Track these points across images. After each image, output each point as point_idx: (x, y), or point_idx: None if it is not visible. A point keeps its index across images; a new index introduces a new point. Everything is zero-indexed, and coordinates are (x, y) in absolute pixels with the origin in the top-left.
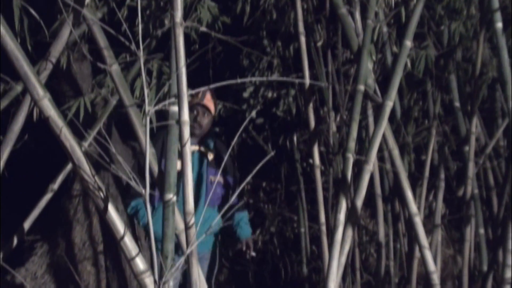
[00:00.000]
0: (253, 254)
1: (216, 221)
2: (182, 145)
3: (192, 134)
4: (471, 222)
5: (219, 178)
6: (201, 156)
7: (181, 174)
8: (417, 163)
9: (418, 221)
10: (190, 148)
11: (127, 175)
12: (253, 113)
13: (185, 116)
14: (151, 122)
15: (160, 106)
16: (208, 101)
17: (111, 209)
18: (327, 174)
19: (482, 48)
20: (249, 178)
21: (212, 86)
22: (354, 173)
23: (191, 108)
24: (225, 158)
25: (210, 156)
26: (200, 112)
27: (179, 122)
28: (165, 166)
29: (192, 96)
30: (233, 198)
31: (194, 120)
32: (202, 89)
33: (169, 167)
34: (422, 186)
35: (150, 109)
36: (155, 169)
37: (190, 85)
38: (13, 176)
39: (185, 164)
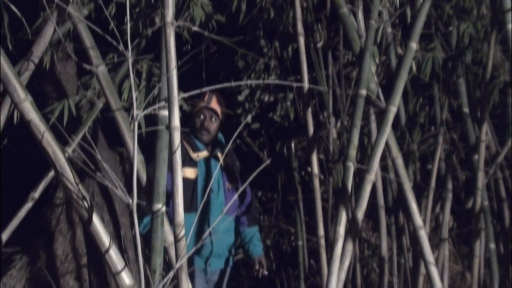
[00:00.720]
0: (266, 273)
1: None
2: (172, 152)
3: (200, 140)
4: (481, 236)
5: (234, 185)
6: (214, 161)
7: (194, 184)
8: (423, 172)
9: (423, 234)
10: (200, 154)
11: (114, 183)
12: (249, 118)
13: (176, 121)
14: (139, 127)
15: (149, 110)
16: (216, 104)
17: (95, 219)
18: (326, 183)
19: (493, 50)
20: (243, 187)
21: (206, 89)
22: (355, 183)
23: (197, 112)
24: (236, 163)
25: (222, 161)
26: (208, 117)
27: (169, 127)
28: (154, 174)
29: (197, 100)
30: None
31: (201, 125)
32: (206, 89)
33: (158, 175)
34: (428, 197)
35: (138, 113)
36: (143, 177)
37: (182, 88)
38: None
39: (176, 173)
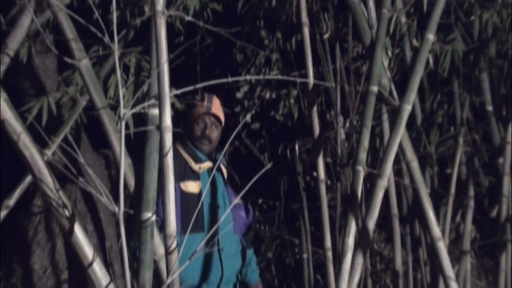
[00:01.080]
0: None
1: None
2: (163, 156)
3: (199, 149)
4: (507, 248)
5: (239, 200)
6: (217, 173)
7: (198, 199)
8: (441, 177)
9: (442, 246)
10: (203, 165)
11: (98, 190)
12: (248, 117)
13: (167, 120)
14: (127, 127)
15: (138, 108)
16: (217, 110)
17: (78, 230)
18: (334, 190)
19: None
20: (242, 194)
21: (200, 85)
22: (366, 189)
23: (197, 119)
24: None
25: (225, 174)
26: (209, 124)
27: (159, 128)
28: (143, 179)
29: (195, 103)
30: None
31: (202, 133)
32: (201, 85)
33: (148, 180)
34: (447, 205)
35: (126, 112)
36: (131, 182)
37: (174, 84)
38: None
39: (167, 179)
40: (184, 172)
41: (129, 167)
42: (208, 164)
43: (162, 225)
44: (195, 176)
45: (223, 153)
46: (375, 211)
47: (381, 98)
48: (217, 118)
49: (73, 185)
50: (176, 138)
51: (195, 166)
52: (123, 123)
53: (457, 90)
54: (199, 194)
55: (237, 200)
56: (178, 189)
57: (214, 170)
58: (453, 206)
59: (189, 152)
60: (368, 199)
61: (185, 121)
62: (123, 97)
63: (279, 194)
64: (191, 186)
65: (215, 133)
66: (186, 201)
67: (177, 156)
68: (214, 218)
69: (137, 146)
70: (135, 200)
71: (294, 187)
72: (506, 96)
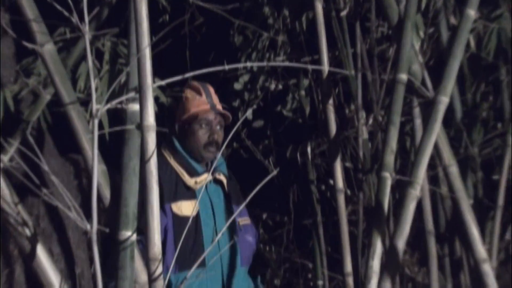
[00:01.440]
0: None
1: None
2: (144, 161)
3: (200, 159)
4: None
5: (246, 219)
6: (216, 187)
7: (196, 225)
8: (487, 185)
9: (488, 270)
10: (199, 179)
11: (66, 204)
12: (249, 113)
13: (150, 118)
14: (101, 126)
15: (114, 103)
16: (219, 104)
17: (41, 252)
18: (355, 201)
19: None
20: (242, 207)
21: (190, 74)
22: (394, 200)
23: (200, 120)
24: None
25: (227, 187)
26: (215, 125)
27: (140, 127)
28: (121, 190)
29: (188, 97)
30: None
31: (210, 139)
32: (191, 74)
33: (127, 191)
34: (494, 220)
35: (99, 108)
36: (106, 194)
37: (158, 74)
38: None
39: (150, 189)
40: (176, 190)
41: (103, 175)
42: (205, 177)
43: (144, 246)
44: (190, 194)
45: (218, 158)
46: (406, 227)
47: (411, 88)
48: (223, 117)
49: (35, 197)
50: (161, 141)
51: (190, 181)
52: (96, 122)
53: (505, 78)
54: (197, 216)
55: (239, 217)
56: (169, 212)
57: (209, 181)
58: (501, 221)
59: (182, 163)
60: (397, 213)
61: (172, 119)
62: (96, 89)
63: (288, 207)
64: (186, 208)
65: (221, 136)
66: (180, 228)
67: (166, 168)
68: (217, 248)
69: (113, 149)
70: (112, 216)
71: (306, 199)
72: None
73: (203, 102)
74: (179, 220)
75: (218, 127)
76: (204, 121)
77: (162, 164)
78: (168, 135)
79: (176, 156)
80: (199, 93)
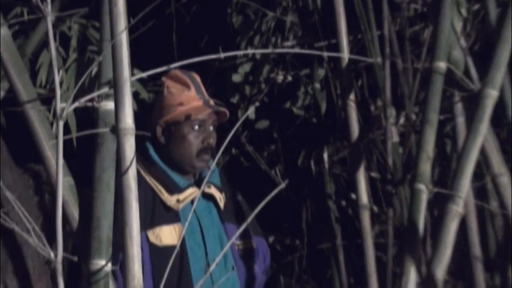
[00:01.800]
0: None
1: None
2: (121, 173)
3: (191, 169)
4: None
5: (249, 241)
6: (207, 203)
7: (181, 257)
8: None
9: None
10: (183, 195)
11: (24, 226)
12: (251, 111)
13: (127, 119)
14: (67, 130)
15: (83, 101)
16: (212, 100)
17: None
18: (383, 220)
19: None
20: (243, 227)
21: (177, 64)
22: (432, 219)
23: (193, 120)
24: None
25: (222, 202)
26: (208, 125)
27: (116, 130)
28: (92, 209)
29: (171, 91)
30: None
31: (204, 144)
32: (178, 64)
33: (99, 211)
34: None
35: (65, 107)
36: (74, 214)
37: (138, 64)
38: None
39: (128, 208)
40: (152, 213)
41: (70, 191)
42: (191, 191)
43: (122, 278)
44: (171, 216)
45: (212, 167)
46: (446, 251)
47: (452, 79)
48: (221, 115)
49: None
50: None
51: (171, 200)
52: (61, 124)
53: None
54: (182, 245)
55: (239, 239)
56: (145, 242)
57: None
58: None
59: (159, 177)
60: (435, 234)
61: (153, 120)
62: (61, 84)
63: (300, 228)
64: (167, 235)
65: (215, 139)
66: (161, 261)
67: (139, 184)
68: (210, 284)
69: (82, 158)
70: (81, 241)
71: (323, 217)
72: None
73: (193, 97)
74: (158, 252)
75: (211, 128)
76: (197, 122)
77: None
78: (141, 140)
79: (152, 168)
80: (187, 86)
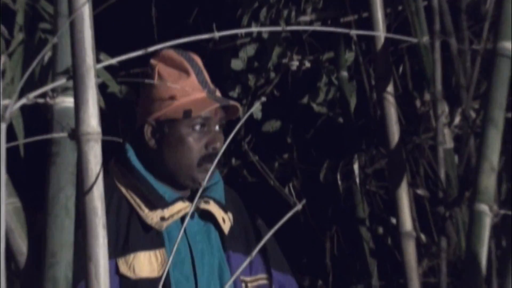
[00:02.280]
0: None
1: None
2: (83, 191)
3: (190, 181)
4: None
5: (260, 276)
6: (209, 224)
7: None
8: None
9: None
10: (169, 210)
11: None
12: (256, 107)
13: (92, 119)
14: (11, 134)
15: (32, 96)
16: (218, 91)
17: None
18: (433, 252)
19: None
20: (249, 260)
21: (158, 46)
22: (499, 250)
23: (186, 114)
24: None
25: (226, 224)
26: (213, 124)
27: (76, 134)
28: (46, 239)
29: (165, 76)
30: None
31: (206, 149)
32: (161, 46)
33: (55, 243)
34: None
35: (9, 104)
36: (21, 246)
37: (105, 47)
38: None
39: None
40: (126, 234)
41: (16, 216)
42: (181, 207)
43: None
44: (152, 239)
45: (214, 177)
46: None
47: None
48: (231, 112)
49: None
50: (108, 157)
51: (151, 217)
52: (4, 127)
53: None
54: (166, 278)
55: (247, 275)
56: (113, 274)
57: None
58: None
59: (138, 187)
60: (503, 270)
61: (139, 118)
62: (3, 74)
63: (323, 263)
64: (144, 265)
65: (222, 143)
66: None
67: (111, 197)
68: None
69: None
70: (31, 282)
71: (353, 249)
72: None
73: (194, 86)
74: (130, 286)
75: (217, 128)
76: (199, 120)
77: (106, 189)
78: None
79: (130, 175)
80: (185, 71)
